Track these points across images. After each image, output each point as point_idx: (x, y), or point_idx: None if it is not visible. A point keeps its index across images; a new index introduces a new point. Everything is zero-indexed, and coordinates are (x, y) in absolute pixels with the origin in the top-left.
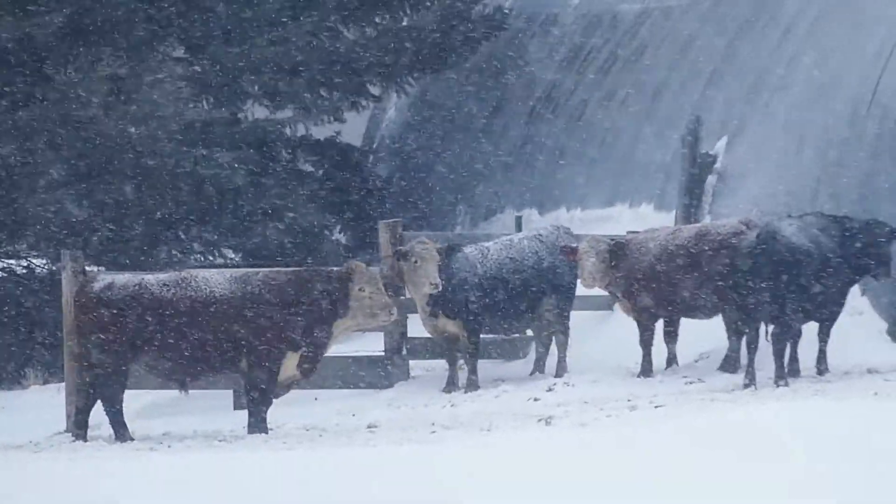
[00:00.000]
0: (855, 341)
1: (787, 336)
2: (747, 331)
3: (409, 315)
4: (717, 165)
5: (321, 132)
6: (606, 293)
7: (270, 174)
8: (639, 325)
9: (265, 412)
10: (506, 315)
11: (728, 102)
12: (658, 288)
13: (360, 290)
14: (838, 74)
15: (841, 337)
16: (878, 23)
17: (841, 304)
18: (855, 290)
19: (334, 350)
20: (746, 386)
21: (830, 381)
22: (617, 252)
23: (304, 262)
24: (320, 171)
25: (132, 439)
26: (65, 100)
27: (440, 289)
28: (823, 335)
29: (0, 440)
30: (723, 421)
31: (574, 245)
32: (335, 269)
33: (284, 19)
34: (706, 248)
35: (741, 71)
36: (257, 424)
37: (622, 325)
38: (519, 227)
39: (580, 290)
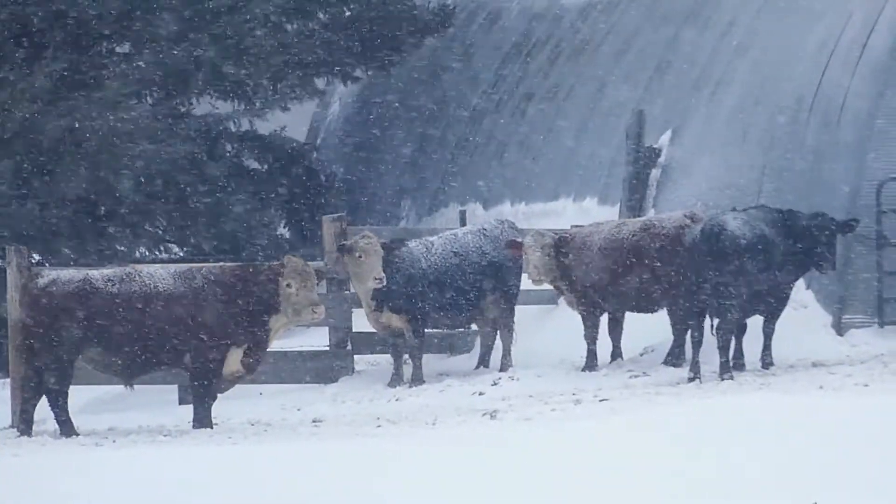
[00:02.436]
0: (800, 335)
1: (731, 330)
2: (692, 324)
3: (353, 310)
4: (661, 159)
5: (266, 127)
6: (551, 287)
7: (215, 169)
8: (583, 319)
9: (210, 407)
10: (450, 309)
11: (672, 96)
12: (603, 282)
13: (287, 285)
14: (782, 68)
15: (786, 330)
16: (821, 16)
17: (786, 298)
18: (800, 283)
19: (279, 345)
20: (691, 380)
21: (775, 375)
22: (561, 246)
23: (247, 258)
24: (265, 167)
25: (78, 434)
26: (10, 95)
27: (384, 283)
28: (768, 329)
29: None
30: (667, 414)
31: (519, 239)
32: (272, 264)
33: (228, 13)
34: (651, 241)
35: (685, 65)
36: (202, 419)
37: (567, 320)
38: (463, 222)
39: (525, 284)
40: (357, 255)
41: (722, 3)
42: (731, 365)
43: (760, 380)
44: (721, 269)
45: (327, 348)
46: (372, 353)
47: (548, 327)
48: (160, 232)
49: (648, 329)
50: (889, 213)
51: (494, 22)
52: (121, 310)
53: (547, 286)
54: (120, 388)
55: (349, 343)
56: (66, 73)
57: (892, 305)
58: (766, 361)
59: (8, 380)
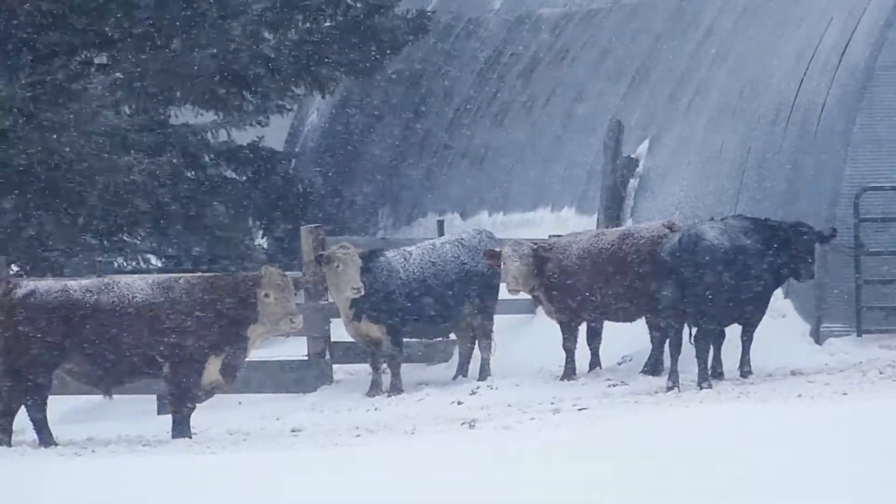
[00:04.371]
0: (778, 343)
1: (710, 338)
2: (670, 333)
3: (332, 319)
4: (639, 168)
5: (244, 137)
6: (529, 297)
7: (193, 180)
8: (562, 328)
9: (189, 417)
10: (429, 319)
11: (650, 105)
12: (581, 291)
13: (265, 295)
14: (760, 77)
15: (764, 339)
16: (798, 25)
17: (764, 307)
18: (778, 292)
19: (258, 354)
20: (670, 388)
21: (754, 384)
22: (540, 256)
23: (225, 268)
24: (243, 177)
25: (56, 444)
26: None
27: (362, 293)
28: (747, 337)
29: None
30: (645, 423)
31: (497, 249)
32: (250, 274)
33: (206, 24)
34: (629, 251)
35: (662, 74)
36: (181, 429)
37: (545, 329)
38: (441, 232)
39: (503, 293)
40: (335, 265)
41: (700, 12)
42: (710, 374)
43: (739, 389)
44: (699, 279)
45: (306, 358)
46: (350, 362)
47: (526, 337)
48: (138, 242)
49: (627, 338)
50: (867, 221)
51: (472, 32)
52: (99, 320)
53: (525, 296)
54: (98, 398)
55: (328, 352)
56: (43, 84)
57: (870, 314)
58: (745, 370)
59: None
